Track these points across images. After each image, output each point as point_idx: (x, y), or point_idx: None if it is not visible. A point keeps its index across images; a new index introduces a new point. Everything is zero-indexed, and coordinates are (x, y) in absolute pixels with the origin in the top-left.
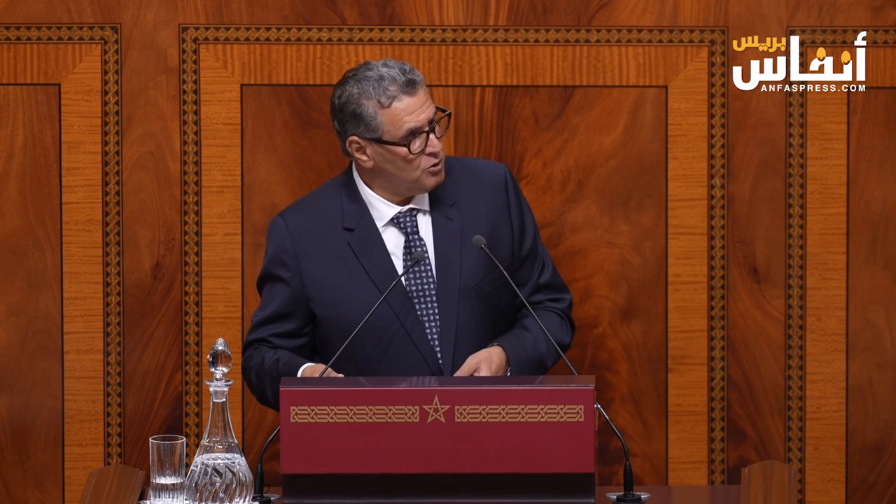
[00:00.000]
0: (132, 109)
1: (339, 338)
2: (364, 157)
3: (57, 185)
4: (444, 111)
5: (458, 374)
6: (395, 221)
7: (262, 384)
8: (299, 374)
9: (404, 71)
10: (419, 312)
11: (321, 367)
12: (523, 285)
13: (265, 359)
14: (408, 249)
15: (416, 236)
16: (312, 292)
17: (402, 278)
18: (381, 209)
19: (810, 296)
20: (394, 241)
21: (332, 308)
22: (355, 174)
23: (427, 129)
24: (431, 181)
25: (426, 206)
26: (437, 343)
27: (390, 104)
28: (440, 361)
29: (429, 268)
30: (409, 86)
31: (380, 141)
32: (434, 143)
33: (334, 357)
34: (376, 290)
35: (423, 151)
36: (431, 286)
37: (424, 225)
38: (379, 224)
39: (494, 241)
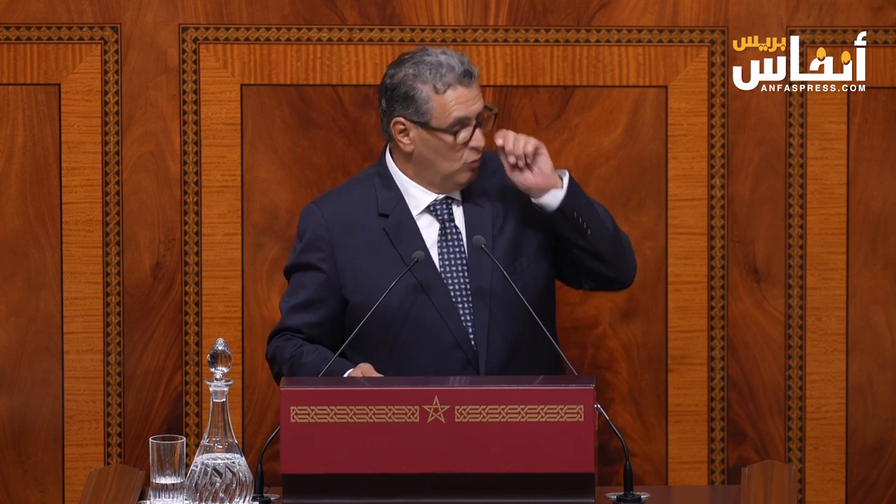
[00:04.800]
0: (132, 109)
1: (371, 324)
2: (406, 141)
3: (57, 185)
4: (490, 109)
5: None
6: (430, 209)
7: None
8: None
9: (463, 62)
10: (454, 299)
11: (366, 366)
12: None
13: (303, 353)
14: (443, 236)
15: (452, 224)
16: (346, 279)
17: (437, 265)
18: (418, 196)
19: (810, 296)
20: (428, 228)
21: (366, 294)
22: (389, 162)
23: (475, 122)
24: (467, 177)
25: (458, 196)
26: (471, 329)
27: (445, 91)
28: (474, 347)
29: (464, 255)
30: (466, 77)
31: (427, 126)
32: (479, 137)
33: (346, 342)
34: (411, 276)
35: (466, 144)
36: (465, 274)
37: (458, 214)
38: (414, 211)
39: (526, 228)
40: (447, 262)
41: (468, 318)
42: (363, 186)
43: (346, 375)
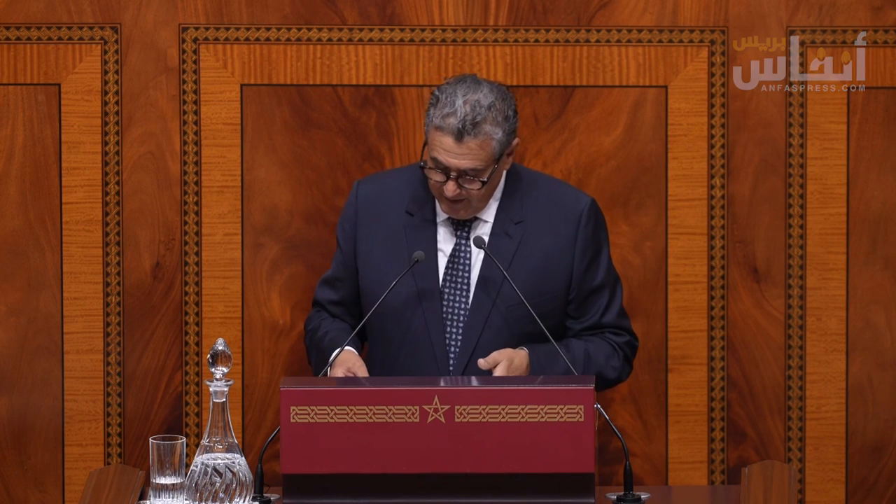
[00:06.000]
0: (132, 109)
1: (373, 316)
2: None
3: (57, 185)
4: (482, 181)
5: (480, 362)
6: (452, 220)
7: (309, 350)
8: (332, 358)
9: (472, 118)
10: (445, 314)
11: (350, 358)
12: (582, 319)
13: (321, 326)
14: (455, 253)
15: (465, 242)
16: (360, 264)
17: (440, 277)
18: None
19: (810, 296)
20: (445, 238)
21: (370, 284)
22: None
23: (451, 174)
24: (448, 211)
25: (490, 217)
26: (453, 349)
27: (436, 130)
28: (451, 368)
29: (467, 274)
30: (458, 134)
31: (425, 143)
32: (449, 189)
33: (348, 339)
34: (412, 278)
35: (437, 186)
36: (466, 293)
37: (481, 233)
38: (439, 218)
39: (547, 270)
40: (450, 278)
41: (455, 337)
42: (408, 177)
43: (330, 360)
